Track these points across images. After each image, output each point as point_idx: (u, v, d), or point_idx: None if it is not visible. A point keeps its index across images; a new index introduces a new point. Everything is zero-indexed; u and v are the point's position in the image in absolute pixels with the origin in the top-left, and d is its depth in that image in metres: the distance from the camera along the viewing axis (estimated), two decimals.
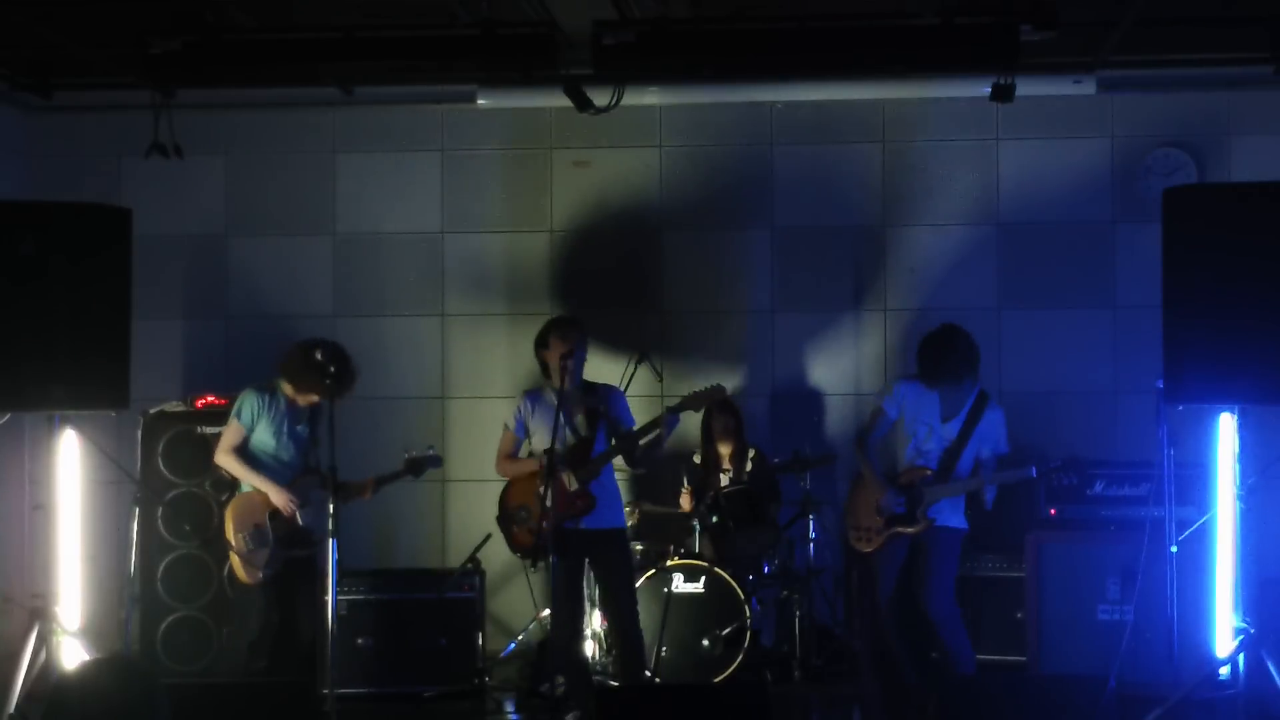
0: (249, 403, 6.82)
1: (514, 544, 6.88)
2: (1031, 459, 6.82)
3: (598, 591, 7.18)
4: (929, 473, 6.75)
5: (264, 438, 6.82)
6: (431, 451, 7.13)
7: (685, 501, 8.23)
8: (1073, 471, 6.53)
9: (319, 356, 6.58)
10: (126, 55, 7.44)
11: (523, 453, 6.93)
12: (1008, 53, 6.95)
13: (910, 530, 6.75)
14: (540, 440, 6.74)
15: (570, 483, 6.69)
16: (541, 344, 6.84)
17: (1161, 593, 6.69)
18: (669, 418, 6.72)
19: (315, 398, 6.81)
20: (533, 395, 6.94)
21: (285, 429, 6.84)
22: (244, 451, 6.81)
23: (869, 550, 6.87)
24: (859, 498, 6.97)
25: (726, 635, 7.57)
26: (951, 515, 6.81)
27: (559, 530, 6.62)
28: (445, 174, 9.01)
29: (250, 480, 6.79)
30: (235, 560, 6.76)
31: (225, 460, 6.84)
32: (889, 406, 6.89)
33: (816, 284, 8.87)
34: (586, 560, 6.86)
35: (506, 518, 6.89)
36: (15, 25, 7.45)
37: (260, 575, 6.74)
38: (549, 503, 6.49)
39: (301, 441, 6.89)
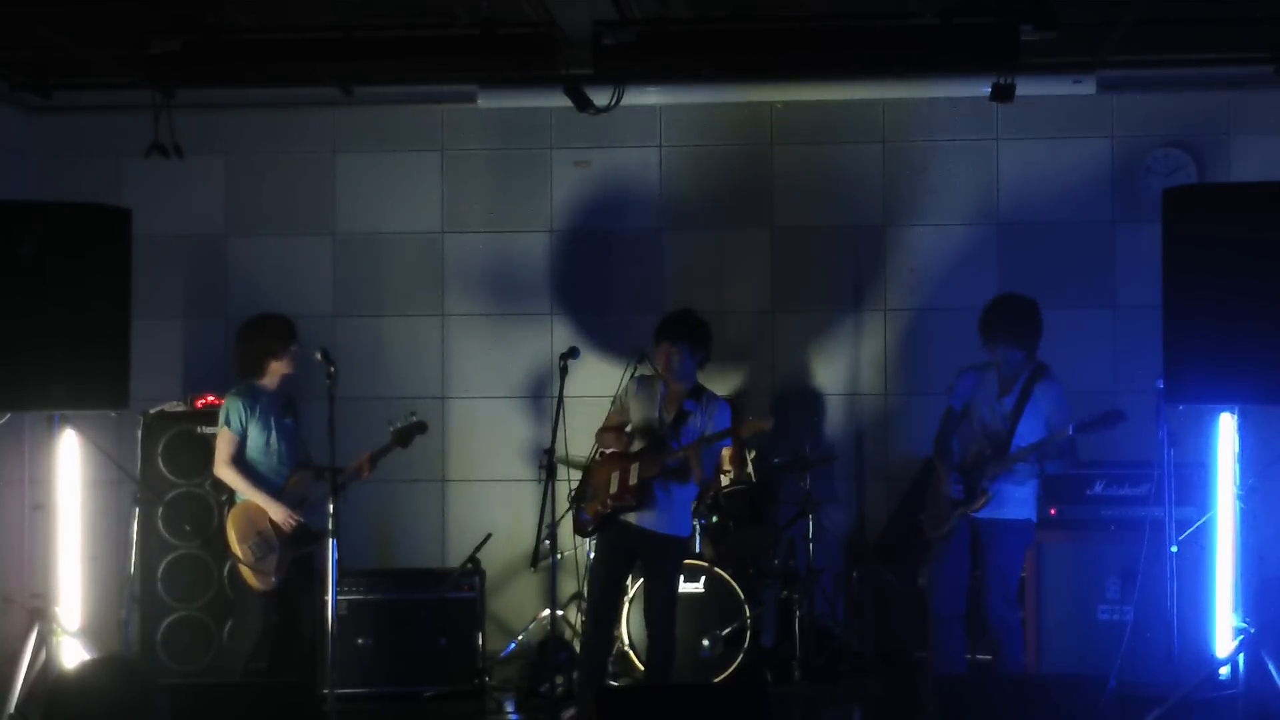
0: (234, 408, 6.82)
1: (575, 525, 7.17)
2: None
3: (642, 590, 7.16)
4: (988, 452, 6.70)
5: (255, 436, 6.83)
6: (415, 418, 7.07)
7: None
8: (1112, 421, 6.46)
9: (243, 333, 6.93)
10: (126, 55, 7.44)
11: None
12: (1008, 53, 6.96)
13: (972, 508, 6.68)
14: (637, 420, 6.89)
15: (632, 475, 6.74)
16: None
17: (1161, 593, 6.68)
18: (701, 449, 6.65)
19: (285, 369, 6.87)
20: (641, 380, 7.01)
21: (273, 423, 6.86)
22: (241, 461, 6.81)
23: (935, 536, 6.83)
24: (931, 490, 6.96)
25: (726, 635, 7.57)
26: (1016, 506, 6.70)
27: (605, 518, 6.80)
28: (445, 174, 9.00)
29: (249, 495, 6.79)
30: (245, 571, 6.75)
31: (225, 473, 6.83)
32: (953, 400, 6.92)
33: (816, 284, 8.87)
34: (639, 560, 6.93)
35: (577, 497, 7.10)
36: (15, 25, 7.44)
37: (273, 580, 6.73)
38: (613, 489, 6.76)
39: (290, 433, 6.90)
